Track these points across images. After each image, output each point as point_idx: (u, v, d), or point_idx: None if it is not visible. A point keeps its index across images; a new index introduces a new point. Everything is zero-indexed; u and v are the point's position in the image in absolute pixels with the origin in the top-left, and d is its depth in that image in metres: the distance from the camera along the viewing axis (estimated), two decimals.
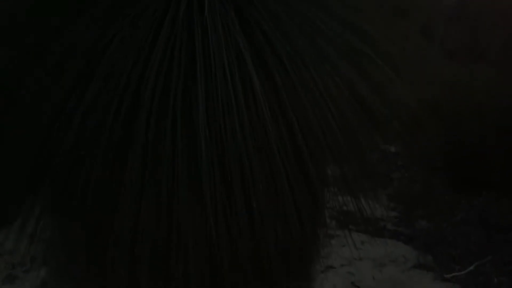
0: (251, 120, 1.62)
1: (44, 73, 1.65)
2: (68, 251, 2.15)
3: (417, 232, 3.56)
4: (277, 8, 1.70)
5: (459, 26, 5.91)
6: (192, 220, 1.65)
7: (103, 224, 1.79)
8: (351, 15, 1.96)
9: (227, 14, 1.61)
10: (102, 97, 1.58)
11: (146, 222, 1.70)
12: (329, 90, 1.76)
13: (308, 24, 1.79)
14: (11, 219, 2.20)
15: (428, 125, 3.96)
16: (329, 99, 1.76)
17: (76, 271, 2.18)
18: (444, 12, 6.17)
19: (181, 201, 1.63)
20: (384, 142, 4.88)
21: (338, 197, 3.04)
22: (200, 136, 1.52)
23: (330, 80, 1.78)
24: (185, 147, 1.55)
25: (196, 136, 1.54)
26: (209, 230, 1.60)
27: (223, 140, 1.57)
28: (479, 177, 3.66)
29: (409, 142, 4.52)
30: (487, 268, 3.01)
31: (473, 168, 3.67)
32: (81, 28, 1.63)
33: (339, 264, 3.18)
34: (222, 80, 1.56)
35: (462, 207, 3.75)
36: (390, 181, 4.44)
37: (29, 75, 1.68)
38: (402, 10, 4.57)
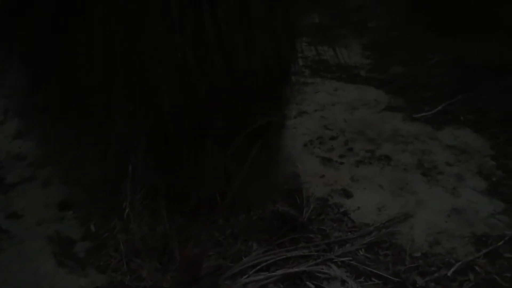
0: None
1: None
2: (39, 98, 2.13)
3: (390, 77, 3.59)
4: None
5: None
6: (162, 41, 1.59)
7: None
8: None
9: None
10: None
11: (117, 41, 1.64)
12: None
13: None
14: None
15: None
16: None
17: (49, 119, 2.18)
18: None
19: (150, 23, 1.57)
20: None
21: (313, 46, 2.99)
22: None
23: None
24: None
25: None
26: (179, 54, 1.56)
27: None
28: (458, 14, 3.57)
29: None
30: (456, 108, 3.09)
31: (452, 4, 3.57)
32: None
33: (312, 109, 3.24)
34: None
35: (439, 51, 3.73)
36: (367, 29, 4.36)
37: None
38: None
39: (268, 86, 1.90)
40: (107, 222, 2.10)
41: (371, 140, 2.88)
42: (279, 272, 1.92)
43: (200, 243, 1.94)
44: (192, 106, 1.68)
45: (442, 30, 3.68)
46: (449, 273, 1.92)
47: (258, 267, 1.94)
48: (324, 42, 2.71)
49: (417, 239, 2.12)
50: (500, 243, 2.05)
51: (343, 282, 1.90)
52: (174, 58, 1.53)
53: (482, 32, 3.37)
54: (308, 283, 1.90)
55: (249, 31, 1.62)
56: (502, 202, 2.31)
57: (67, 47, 1.72)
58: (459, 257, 2.01)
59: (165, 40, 1.52)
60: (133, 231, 1.95)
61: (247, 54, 1.63)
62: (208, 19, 1.50)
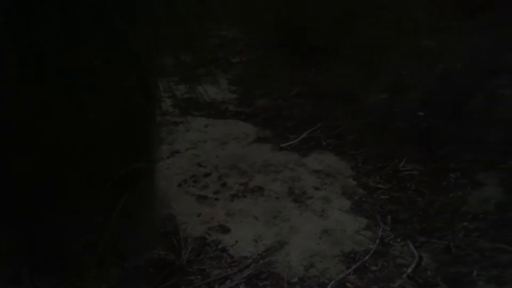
0: None
1: None
2: None
3: (256, 110, 3.75)
4: None
5: None
6: None
7: None
8: None
9: None
10: None
11: None
12: None
13: None
14: None
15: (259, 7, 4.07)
16: None
17: None
18: None
19: None
20: (220, 29, 4.89)
21: (179, 85, 3.02)
22: None
23: None
24: None
25: None
26: None
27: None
28: (309, 48, 3.90)
29: (245, 26, 4.58)
30: (317, 134, 3.32)
31: (304, 34, 3.89)
32: None
33: (184, 148, 3.24)
34: None
35: (296, 83, 4.00)
36: (231, 65, 4.52)
37: None
38: None
39: (129, 133, 1.87)
40: None
41: (244, 173, 2.95)
42: None
43: None
44: (43, 166, 1.58)
45: (296, 63, 3.99)
46: None
47: None
48: (191, 80, 2.74)
49: (293, 265, 2.19)
50: (366, 257, 2.21)
51: None
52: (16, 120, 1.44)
53: (330, 63, 3.72)
54: None
55: (99, 80, 1.58)
56: (365, 218, 2.51)
57: None
58: (332, 276, 2.12)
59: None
60: None
61: (98, 105, 1.59)
62: (50, 72, 1.44)
